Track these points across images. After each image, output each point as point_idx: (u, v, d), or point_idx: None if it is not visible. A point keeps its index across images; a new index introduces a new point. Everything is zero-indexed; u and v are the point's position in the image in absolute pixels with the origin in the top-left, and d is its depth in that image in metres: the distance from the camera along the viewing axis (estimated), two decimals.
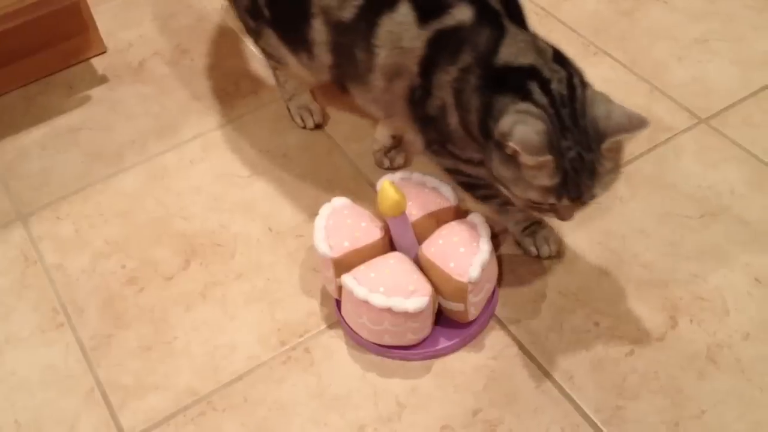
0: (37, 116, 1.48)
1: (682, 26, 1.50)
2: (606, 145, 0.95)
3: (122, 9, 1.70)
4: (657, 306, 1.11)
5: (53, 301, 1.20)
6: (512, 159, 0.96)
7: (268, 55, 1.32)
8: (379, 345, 1.08)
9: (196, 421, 1.05)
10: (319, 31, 1.11)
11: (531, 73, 0.99)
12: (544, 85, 0.97)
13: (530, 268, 1.17)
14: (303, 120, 1.39)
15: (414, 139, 1.16)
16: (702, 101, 1.36)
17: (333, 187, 1.31)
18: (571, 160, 0.95)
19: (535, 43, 1.02)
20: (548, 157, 0.93)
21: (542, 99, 0.97)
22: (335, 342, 1.12)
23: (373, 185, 1.29)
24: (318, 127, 1.39)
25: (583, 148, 0.95)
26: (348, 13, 1.07)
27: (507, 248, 1.20)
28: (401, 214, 1.06)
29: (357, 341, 1.10)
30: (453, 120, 1.06)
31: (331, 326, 1.13)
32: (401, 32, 1.04)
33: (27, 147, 1.42)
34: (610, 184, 0.99)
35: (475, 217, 1.10)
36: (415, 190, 1.13)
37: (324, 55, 1.14)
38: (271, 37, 1.24)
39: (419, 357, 1.09)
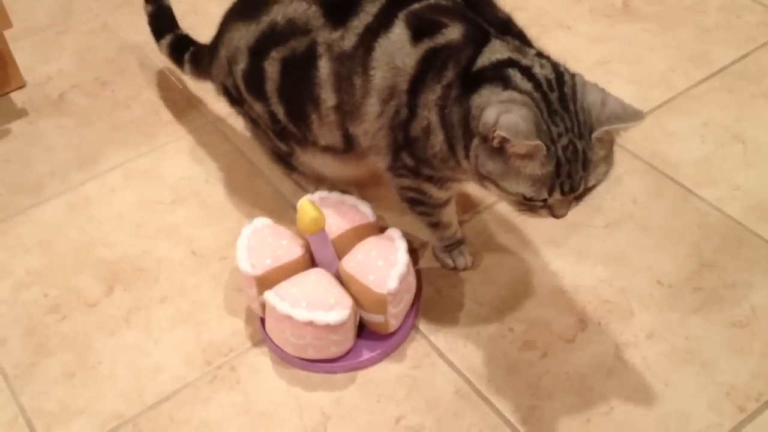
0: None
1: (585, 50, 1.58)
2: (598, 134, 0.91)
3: (41, 43, 1.71)
4: (567, 310, 1.16)
5: None
6: (500, 151, 0.93)
7: (286, 161, 1.28)
8: (304, 359, 1.11)
9: None
10: (323, 68, 1.08)
11: (509, 62, 0.96)
12: (526, 71, 0.94)
13: (448, 280, 1.22)
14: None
15: (376, 161, 1.14)
16: None
17: (255, 211, 1.33)
18: (564, 147, 0.91)
19: (517, 45, 1.00)
20: (538, 142, 0.89)
21: (525, 85, 0.93)
22: (261, 359, 1.14)
23: (294, 207, 1.32)
24: None
25: (575, 135, 0.91)
26: (349, 42, 1.07)
27: (426, 262, 1.24)
28: (320, 230, 1.10)
29: (282, 357, 1.13)
30: (438, 140, 1.03)
31: (256, 344, 1.15)
32: (395, 51, 1.03)
33: None
34: (603, 174, 0.95)
35: (392, 232, 1.14)
36: (334, 208, 1.17)
37: (329, 97, 1.10)
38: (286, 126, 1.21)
39: (343, 369, 1.11)
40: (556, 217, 0.98)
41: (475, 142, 0.96)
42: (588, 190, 0.97)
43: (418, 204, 1.16)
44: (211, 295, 1.22)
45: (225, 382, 1.11)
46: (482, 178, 0.98)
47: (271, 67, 1.14)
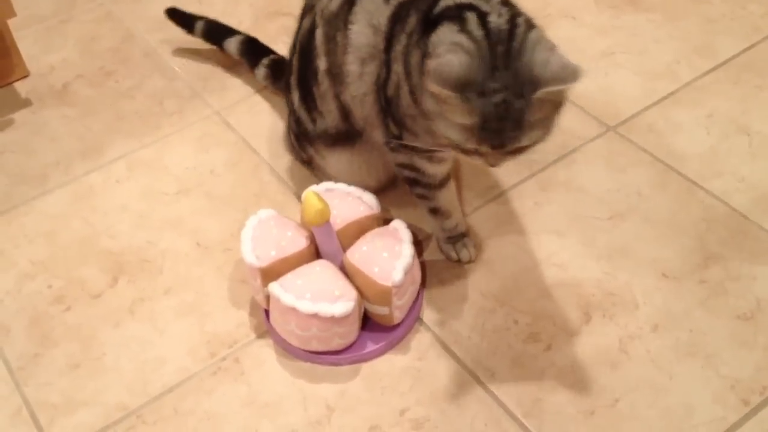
0: None
1: (590, 40, 1.58)
2: (539, 95, 0.89)
3: (44, 33, 1.70)
4: (572, 303, 1.16)
5: None
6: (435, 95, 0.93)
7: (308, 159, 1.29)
8: (308, 351, 1.11)
9: None
10: (318, 36, 1.13)
11: (469, 6, 0.95)
12: (482, 17, 0.93)
13: (452, 271, 1.22)
14: None
15: (377, 135, 1.15)
16: (610, 110, 1.44)
17: (260, 202, 1.33)
18: (496, 104, 0.89)
19: None
20: (450, 94, 0.89)
21: (478, 31, 0.92)
22: (265, 351, 1.14)
23: (299, 199, 1.32)
24: None
25: (512, 93, 0.89)
26: (335, 3, 1.11)
27: (430, 254, 1.24)
28: (325, 222, 1.09)
29: (286, 349, 1.13)
30: (404, 93, 1.02)
31: (260, 336, 1.16)
32: (373, 10, 1.05)
33: None
34: (538, 137, 0.93)
35: (397, 224, 1.14)
36: (339, 200, 1.16)
37: (322, 62, 1.13)
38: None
39: (347, 361, 1.12)
40: (490, 166, 0.97)
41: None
42: (523, 148, 0.95)
43: (416, 184, 1.17)
44: (216, 286, 1.22)
45: (229, 373, 1.12)
46: (427, 118, 0.97)
47: (295, 60, 1.20)
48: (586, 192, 1.31)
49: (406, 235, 1.12)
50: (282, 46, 1.49)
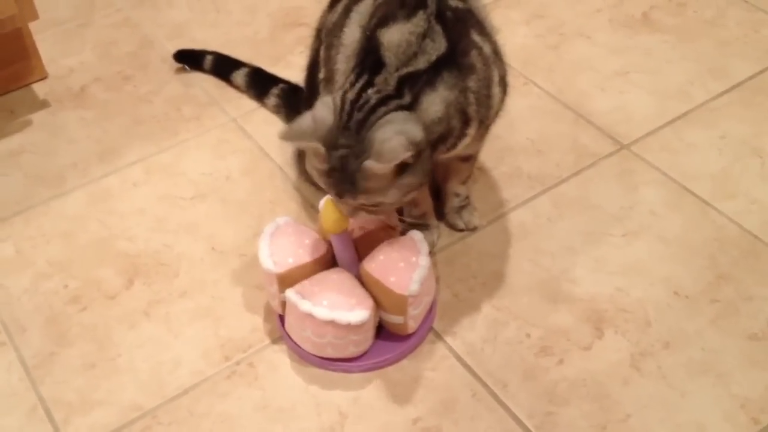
0: None
1: (604, 59, 1.60)
2: (366, 164, 0.97)
3: (63, 36, 1.72)
4: (584, 318, 1.17)
5: None
6: None
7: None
8: (322, 358, 1.12)
9: None
10: (321, 50, 1.18)
11: (372, 69, 1.02)
12: (364, 88, 1.01)
13: (466, 284, 1.23)
14: None
15: None
16: (623, 129, 1.45)
17: (275, 209, 1.34)
18: (339, 157, 0.99)
19: (418, 43, 1.03)
20: (312, 144, 0.99)
21: (350, 95, 1.01)
22: (279, 357, 1.15)
23: (314, 206, 1.33)
24: None
25: (353, 153, 0.99)
26: (334, 16, 1.16)
27: (444, 265, 1.25)
28: (343, 231, 1.11)
29: (300, 355, 1.13)
30: None
31: (274, 341, 1.16)
32: (363, 12, 1.10)
33: None
34: (374, 201, 1.02)
35: (414, 234, 1.15)
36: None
37: (321, 71, 1.18)
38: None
39: (361, 369, 1.12)
40: (346, 213, 1.06)
41: None
42: (366, 206, 1.03)
43: None
44: (230, 291, 1.23)
45: (243, 377, 1.12)
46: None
47: (305, 83, 1.30)
48: (600, 209, 1.32)
49: (423, 247, 1.13)
50: (298, 57, 1.50)
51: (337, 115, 1.00)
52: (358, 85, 1.02)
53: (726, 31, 1.65)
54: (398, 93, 1.01)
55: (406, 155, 0.97)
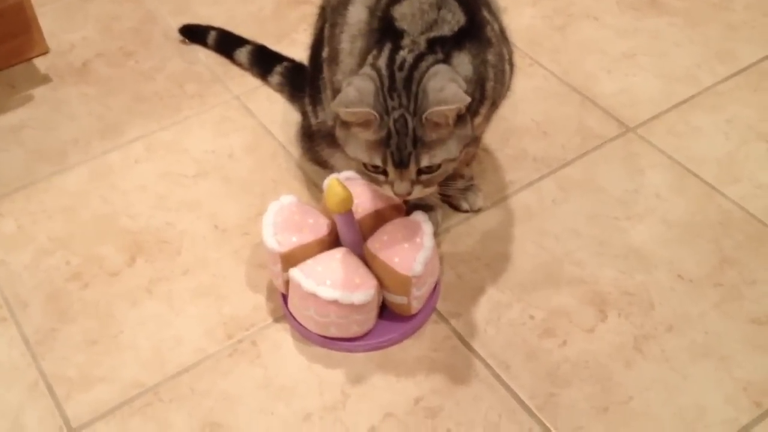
0: None
1: (611, 42, 1.58)
2: (427, 114, 0.98)
3: (65, 11, 1.70)
4: (588, 300, 1.17)
5: None
6: (344, 121, 1.02)
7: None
8: (325, 337, 1.11)
9: (142, 411, 1.06)
10: (325, 29, 1.17)
11: (394, 34, 1.03)
12: (393, 52, 1.01)
13: (470, 265, 1.22)
14: None
15: None
16: (629, 111, 1.44)
17: (278, 187, 1.34)
18: (395, 120, 0.99)
19: (435, 11, 1.04)
20: (364, 109, 0.97)
21: (381, 62, 1.01)
22: (281, 335, 1.14)
23: (317, 185, 1.32)
24: None
25: (408, 112, 0.99)
26: None
27: (448, 246, 1.25)
28: (347, 210, 1.10)
29: (303, 334, 1.13)
30: None
31: (277, 320, 1.16)
32: None
33: None
34: (440, 159, 1.01)
35: (418, 215, 1.14)
36: (360, 188, 1.17)
37: (324, 49, 1.17)
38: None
39: (364, 348, 1.12)
40: (396, 194, 1.04)
41: None
42: (425, 170, 1.02)
43: None
44: (233, 269, 1.23)
45: (246, 355, 1.12)
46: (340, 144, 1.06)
47: (308, 63, 1.28)
48: (605, 192, 1.32)
49: (427, 227, 1.12)
50: (303, 35, 1.49)
51: (377, 81, 0.99)
52: (386, 53, 1.01)
53: (734, 15, 1.63)
54: (431, 51, 1.02)
55: (467, 99, 0.97)
